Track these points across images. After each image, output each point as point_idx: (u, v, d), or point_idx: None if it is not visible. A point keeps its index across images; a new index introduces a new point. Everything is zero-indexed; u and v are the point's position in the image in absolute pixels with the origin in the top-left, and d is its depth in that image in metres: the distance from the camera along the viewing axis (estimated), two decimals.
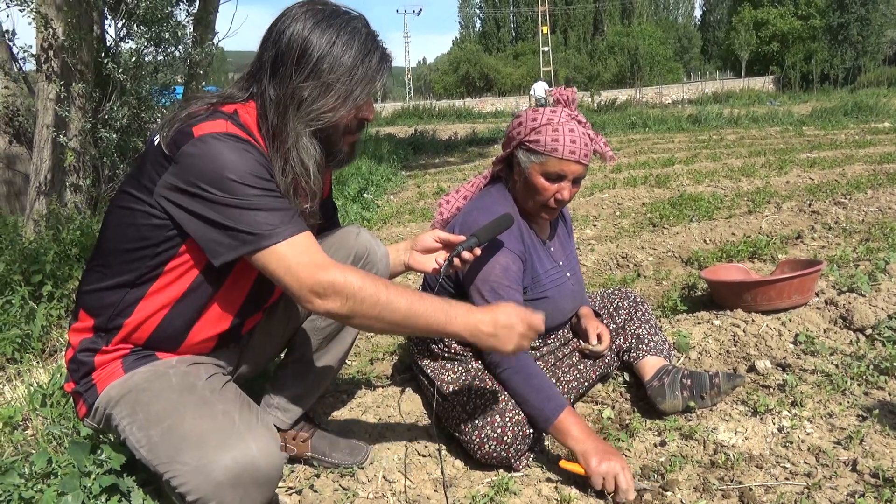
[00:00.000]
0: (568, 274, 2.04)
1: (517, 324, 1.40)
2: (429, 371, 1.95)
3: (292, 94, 1.34)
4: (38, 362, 2.68)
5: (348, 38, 1.35)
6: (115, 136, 4.54)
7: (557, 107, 1.85)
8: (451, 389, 1.84)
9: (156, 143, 1.33)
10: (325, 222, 1.68)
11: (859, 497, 1.50)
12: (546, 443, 1.92)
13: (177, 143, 1.27)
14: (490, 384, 1.80)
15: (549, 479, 1.72)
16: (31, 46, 4.56)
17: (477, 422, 1.73)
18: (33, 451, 1.70)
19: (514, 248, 1.85)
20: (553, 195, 1.83)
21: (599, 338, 2.02)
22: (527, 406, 1.72)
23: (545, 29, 42.29)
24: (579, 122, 1.81)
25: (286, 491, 1.69)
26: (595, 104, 25.25)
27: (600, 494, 1.60)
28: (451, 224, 1.97)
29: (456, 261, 1.65)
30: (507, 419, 1.71)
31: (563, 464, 1.67)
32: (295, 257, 1.26)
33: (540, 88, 22.33)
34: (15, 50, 4.97)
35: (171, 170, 1.27)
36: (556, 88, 1.89)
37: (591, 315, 2.10)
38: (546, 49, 41.83)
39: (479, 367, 1.87)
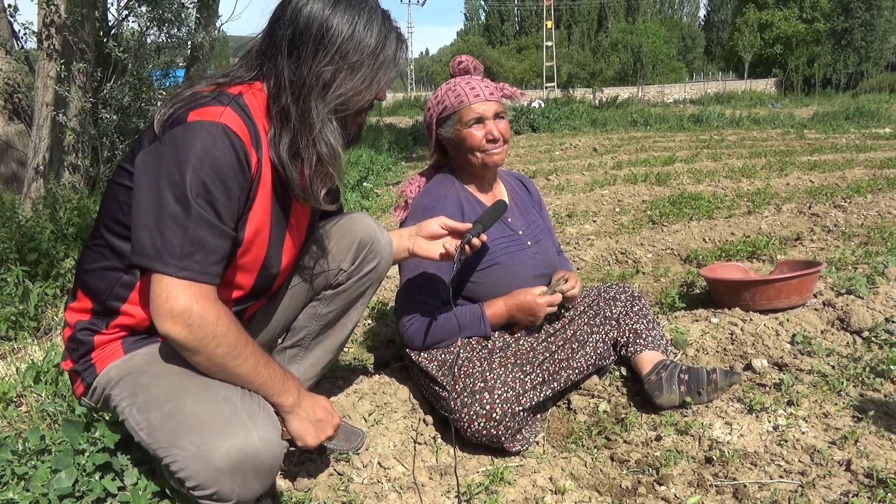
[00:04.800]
0: (529, 243, 2.09)
1: (327, 422, 1.41)
2: (416, 358, 1.95)
3: (316, 77, 1.28)
4: (32, 340, 2.67)
5: (368, 19, 1.31)
6: (115, 116, 4.51)
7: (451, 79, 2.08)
8: (440, 374, 1.86)
9: (156, 119, 1.29)
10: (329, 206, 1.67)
11: (853, 497, 1.50)
12: (541, 435, 1.92)
13: (171, 124, 1.22)
14: (478, 365, 1.82)
15: (544, 470, 1.72)
16: (32, 23, 4.52)
17: (466, 399, 1.75)
18: (27, 428, 1.69)
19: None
20: (485, 135, 1.97)
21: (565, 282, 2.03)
22: (460, 334, 1.91)
23: (549, 24, 42.14)
24: (475, 78, 2.02)
25: (280, 475, 1.69)
26: (597, 101, 25.22)
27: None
28: (409, 214, 2.05)
29: (466, 247, 1.69)
30: (496, 396, 1.73)
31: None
32: (180, 293, 1.20)
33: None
34: (16, 27, 4.93)
35: (152, 145, 1.23)
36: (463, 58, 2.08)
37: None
38: (549, 44, 41.69)
39: (466, 350, 1.90)
